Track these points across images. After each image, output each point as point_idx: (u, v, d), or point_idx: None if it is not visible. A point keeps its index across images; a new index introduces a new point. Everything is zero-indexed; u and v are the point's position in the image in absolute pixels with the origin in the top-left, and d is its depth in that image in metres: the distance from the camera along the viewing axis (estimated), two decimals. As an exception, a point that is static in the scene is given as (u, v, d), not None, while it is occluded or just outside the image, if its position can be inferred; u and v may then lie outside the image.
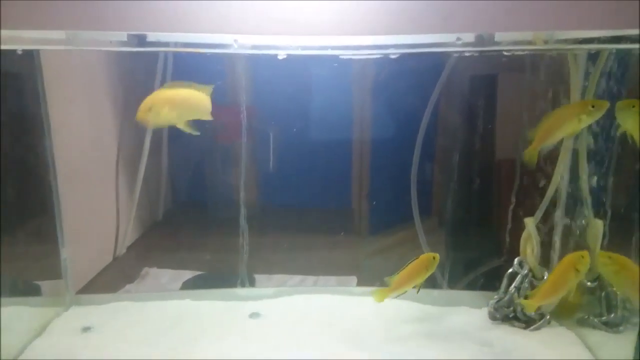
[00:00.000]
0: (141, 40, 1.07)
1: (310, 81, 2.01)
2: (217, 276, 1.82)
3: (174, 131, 2.23)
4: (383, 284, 1.79)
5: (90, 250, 1.90)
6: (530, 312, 1.39)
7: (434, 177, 2.03)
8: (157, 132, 2.21)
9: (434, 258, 1.24)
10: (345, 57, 1.10)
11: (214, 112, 2.11)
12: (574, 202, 1.43)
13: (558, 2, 0.97)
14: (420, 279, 1.26)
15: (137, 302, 1.53)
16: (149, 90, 2.01)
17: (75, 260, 1.69)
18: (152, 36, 1.06)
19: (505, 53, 1.10)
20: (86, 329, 1.37)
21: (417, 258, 1.25)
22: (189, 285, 1.77)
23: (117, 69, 2.01)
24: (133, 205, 2.16)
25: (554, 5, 0.98)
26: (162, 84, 2.02)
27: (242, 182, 1.58)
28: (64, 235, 1.50)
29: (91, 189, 1.91)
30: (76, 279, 1.73)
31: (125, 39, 1.08)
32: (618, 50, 1.23)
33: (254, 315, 1.46)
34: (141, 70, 2.02)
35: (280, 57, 1.01)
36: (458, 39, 0.94)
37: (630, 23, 1.03)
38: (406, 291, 1.27)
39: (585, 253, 1.22)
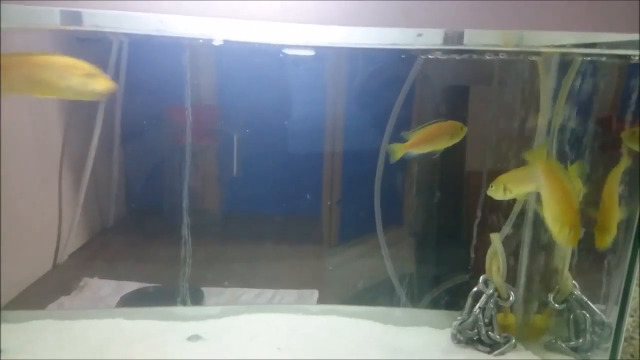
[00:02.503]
0: (76, 18, 0.92)
1: (272, 79, 1.89)
2: (160, 291, 1.66)
3: (127, 130, 2.11)
4: (345, 300, 1.71)
5: (25, 257, 1.72)
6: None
7: (400, 188, 1.94)
8: (109, 130, 2.06)
9: (461, 128, 1.18)
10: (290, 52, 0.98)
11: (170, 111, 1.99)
12: (542, 218, 1.35)
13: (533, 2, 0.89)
14: (441, 146, 1.19)
15: (63, 320, 1.36)
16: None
17: (6, 269, 1.52)
18: (88, 14, 0.91)
19: (475, 57, 1.01)
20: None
21: (441, 121, 1.21)
22: (127, 300, 1.60)
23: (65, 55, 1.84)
24: (77, 209, 1.99)
25: (530, 5, 0.89)
26: (116, 74, 1.89)
27: (185, 187, 1.43)
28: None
29: (27, 190, 1.73)
30: (6, 290, 1.56)
31: (58, 17, 0.93)
32: (590, 57, 1.16)
33: (193, 337, 1.31)
34: (92, 58, 1.86)
35: (216, 43, 0.88)
36: (419, 35, 0.83)
37: (606, 27, 0.95)
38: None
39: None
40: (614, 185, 1.20)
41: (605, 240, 1.20)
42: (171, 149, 2.03)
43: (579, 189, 1.22)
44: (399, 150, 1.24)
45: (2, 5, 0.93)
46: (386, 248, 1.70)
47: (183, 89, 1.58)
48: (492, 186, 1.19)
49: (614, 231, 1.19)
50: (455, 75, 1.74)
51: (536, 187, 1.20)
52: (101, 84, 0.95)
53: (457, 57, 1.11)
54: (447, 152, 1.73)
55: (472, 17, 0.91)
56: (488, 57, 1.09)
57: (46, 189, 1.86)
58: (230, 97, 1.97)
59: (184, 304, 1.45)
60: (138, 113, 2.02)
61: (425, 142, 1.23)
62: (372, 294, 1.76)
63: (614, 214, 1.19)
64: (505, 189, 1.17)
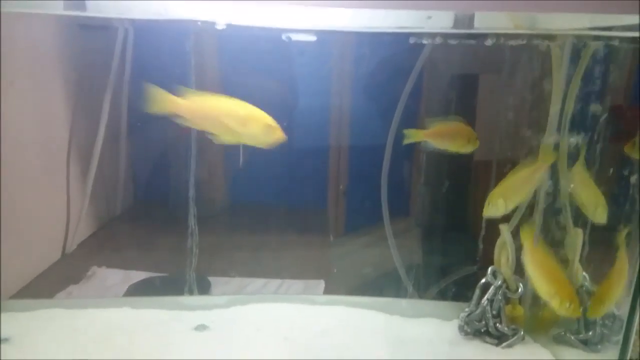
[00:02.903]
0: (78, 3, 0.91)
1: (277, 67, 1.87)
2: (167, 281, 1.66)
3: (133, 120, 2.10)
4: (351, 291, 1.70)
5: (34, 246, 1.73)
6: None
7: (407, 178, 1.91)
8: (115, 121, 2.06)
9: (476, 139, 1.17)
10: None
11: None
12: (552, 209, 1.33)
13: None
14: (455, 147, 1.17)
15: (71, 309, 1.36)
16: (105, 71, 1.88)
17: (16, 258, 1.53)
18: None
19: (486, 43, 0.99)
20: (4, 341, 1.20)
21: (462, 122, 1.17)
22: (134, 290, 1.61)
23: (70, 45, 1.83)
24: (85, 199, 2.00)
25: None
26: (122, 64, 1.88)
27: (192, 177, 1.42)
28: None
29: (35, 181, 1.73)
30: (15, 279, 1.58)
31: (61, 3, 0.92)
32: (603, 42, 1.12)
33: (200, 327, 1.31)
34: (98, 48, 1.86)
35: (218, 27, 0.86)
36: (429, 17, 0.80)
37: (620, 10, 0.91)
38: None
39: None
40: (624, 267, 1.16)
41: (599, 311, 1.19)
42: (178, 140, 2.02)
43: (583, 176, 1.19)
44: (415, 136, 1.21)
45: None
46: (393, 239, 1.68)
47: (188, 77, 1.56)
48: (488, 204, 1.13)
49: (610, 306, 1.18)
50: (465, 63, 1.70)
51: (536, 184, 1.18)
52: (276, 135, 1.03)
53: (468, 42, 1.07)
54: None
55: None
56: (499, 42, 1.06)
57: (54, 179, 1.87)
58: (236, 86, 1.95)
59: (191, 293, 1.44)
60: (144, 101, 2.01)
61: (443, 137, 1.19)
62: (378, 285, 1.75)
63: (616, 293, 1.17)
64: (505, 201, 1.12)
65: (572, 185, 1.22)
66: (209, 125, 1.01)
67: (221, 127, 1.00)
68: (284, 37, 0.97)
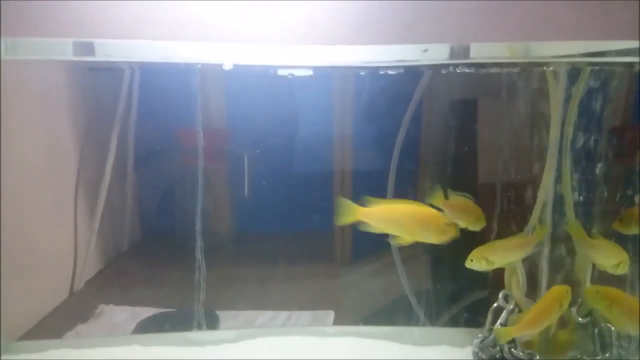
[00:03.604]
0: (88, 48, 0.94)
1: (280, 100, 1.91)
2: (176, 316, 1.65)
3: (141, 155, 2.14)
4: (361, 320, 1.68)
5: (42, 286, 1.73)
6: (504, 341, 1.28)
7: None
8: (122, 156, 2.09)
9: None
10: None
11: (183, 135, 2.02)
12: (561, 230, 1.33)
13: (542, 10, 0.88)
14: (463, 221, 1.18)
15: (80, 349, 1.35)
16: (112, 108, 1.93)
17: (25, 298, 1.53)
18: (99, 44, 0.94)
19: (483, 71, 1.01)
20: (14, 384, 1.19)
21: (468, 200, 1.19)
22: (143, 326, 1.59)
23: (79, 85, 1.89)
24: (92, 235, 2.01)
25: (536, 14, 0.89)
26: (128, 101, 1.93)
27: (199, 210, 1.43)
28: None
29: (43, 221, 1.75)
30: (24, 319, 1.57)
31: (70, 47, 0.95)
32: (600, 66, 1.14)
33: (210, 363, 1.30)
34: (105, 87, 1.91)
35: (225, 68, 0.90)
36: (425, 50, 0.83)
37: (612, 35, 0.94)
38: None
39: (569, 288, 1.20)
40: None
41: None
42: (183, 173, 2.05)
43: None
44: (438, 198, 1.22)
45: (16, 39, 0.97)
46: (401, 265, 1.67)
47: (194, 113, 1.60)
48: (472, 260, 1.19)
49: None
50: (463, 89, 1.73)
51: (524, 255, 1.22)
52: (450, 233, 1.07)
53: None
54: (460, 164, 1.72)
55: (477, 30, 0.91)
56: (495, 70, 1.09)
57: (62, 217, 1.88)
58: (240, 119, 1.99)
59: (200, 328, 1.43)
60: (151, 138, 2.05)
61: (457, 211, 1.21)
62: (388, 313, 1.72)
63: None
64: (487, 262, 1.18)
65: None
66: (391, 229, 1.06)
67: (402, 229, 1.05)
68: (287, 73, 1.00)
